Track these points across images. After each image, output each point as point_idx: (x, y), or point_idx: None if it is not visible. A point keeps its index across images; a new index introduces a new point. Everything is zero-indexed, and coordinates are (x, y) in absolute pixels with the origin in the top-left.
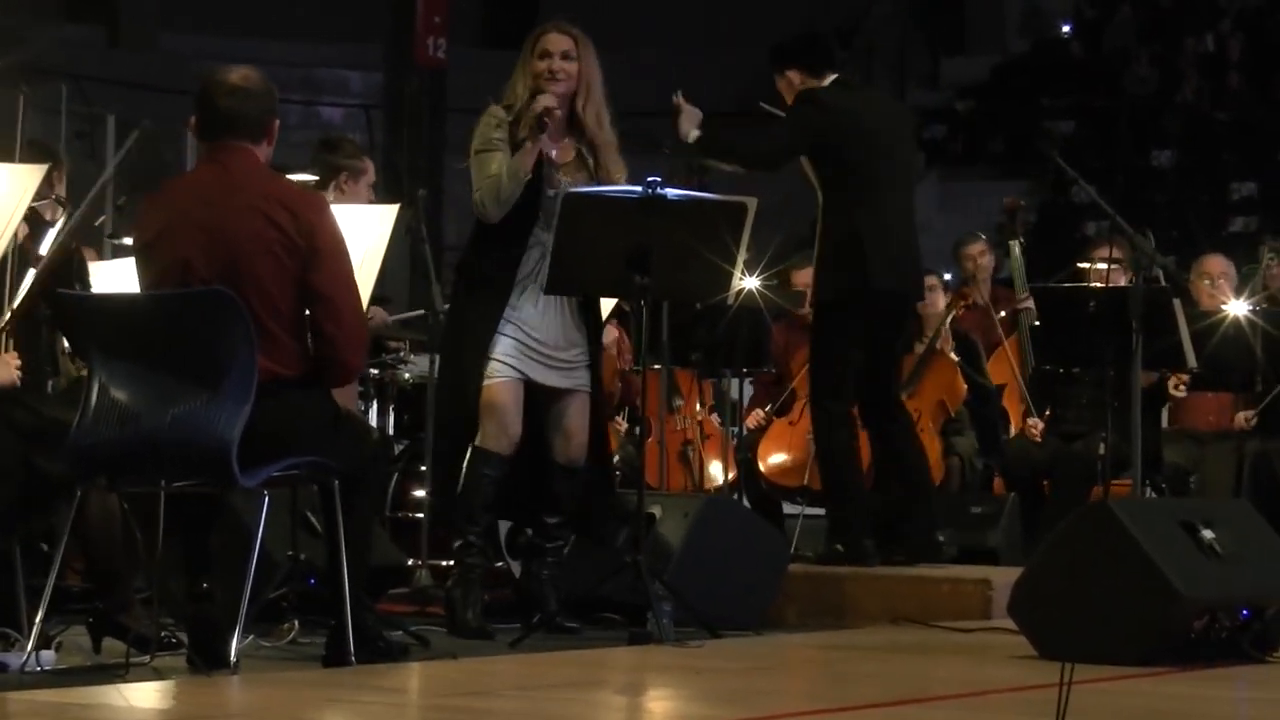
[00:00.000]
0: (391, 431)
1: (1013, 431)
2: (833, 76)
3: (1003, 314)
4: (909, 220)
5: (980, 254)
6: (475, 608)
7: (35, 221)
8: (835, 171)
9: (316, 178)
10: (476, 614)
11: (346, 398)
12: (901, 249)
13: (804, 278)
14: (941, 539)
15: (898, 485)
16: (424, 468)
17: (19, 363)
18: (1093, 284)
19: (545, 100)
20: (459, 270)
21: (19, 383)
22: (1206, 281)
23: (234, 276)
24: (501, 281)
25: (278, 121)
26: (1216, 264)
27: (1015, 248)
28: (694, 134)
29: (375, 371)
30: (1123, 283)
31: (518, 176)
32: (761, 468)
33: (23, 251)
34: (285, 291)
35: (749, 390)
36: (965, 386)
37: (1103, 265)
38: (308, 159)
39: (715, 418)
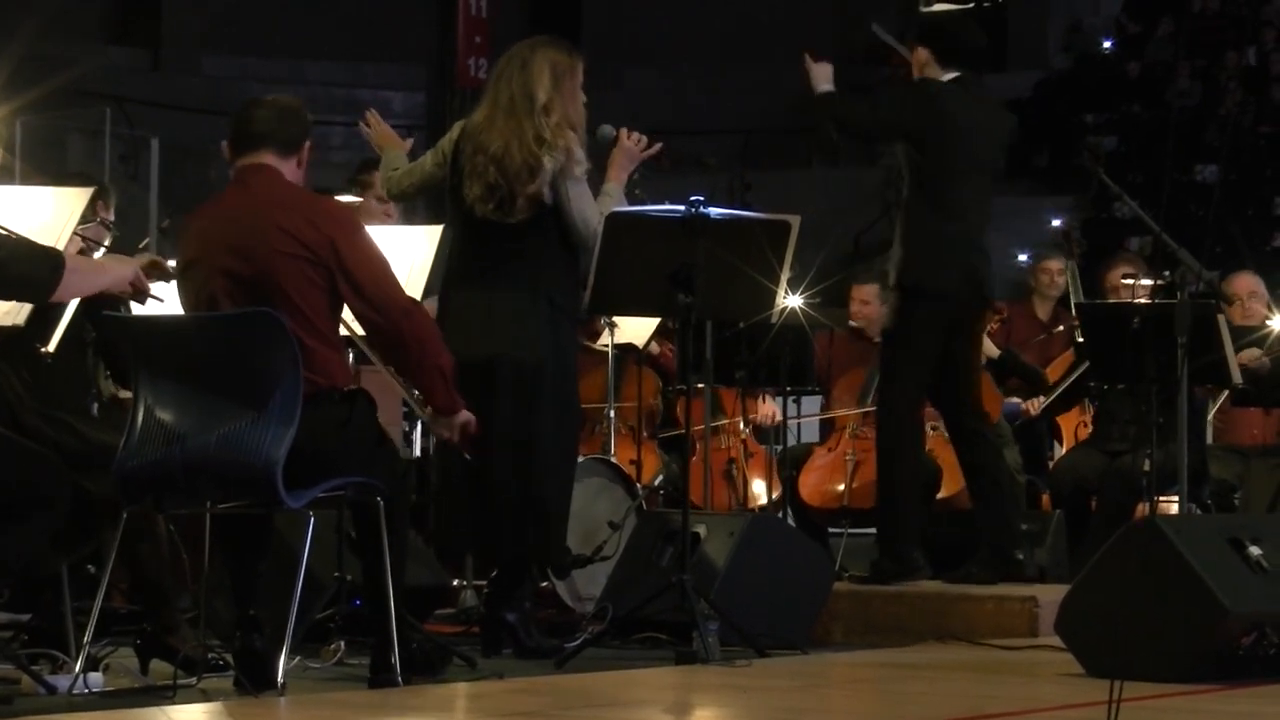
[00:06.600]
0: (433, 452)
1: (1059, 450)
2: (955, 74)
3: (1060, 329)
4: (985, 225)
5: (1059, 271)
6: None
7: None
8: (925, 166)
9: (360, 199)
10: None
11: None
12: (977, 255)
13: (863, 294)
14: (1020, 557)
15: (975, 498)
16: None
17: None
18: (1137, 299)
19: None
20: (563, 310)
21: (140, 286)
22: (1236, 302)
23: (263, 292)
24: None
25: (309, 143)
26: (1245, 283)
27: (1070, 268)
28: (825, 87)
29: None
30: (1141, 299)
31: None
32: (803, 494)
33: None
34: (315, 301)
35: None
36: (1001, 400)
37: (1128, 281)
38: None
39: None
